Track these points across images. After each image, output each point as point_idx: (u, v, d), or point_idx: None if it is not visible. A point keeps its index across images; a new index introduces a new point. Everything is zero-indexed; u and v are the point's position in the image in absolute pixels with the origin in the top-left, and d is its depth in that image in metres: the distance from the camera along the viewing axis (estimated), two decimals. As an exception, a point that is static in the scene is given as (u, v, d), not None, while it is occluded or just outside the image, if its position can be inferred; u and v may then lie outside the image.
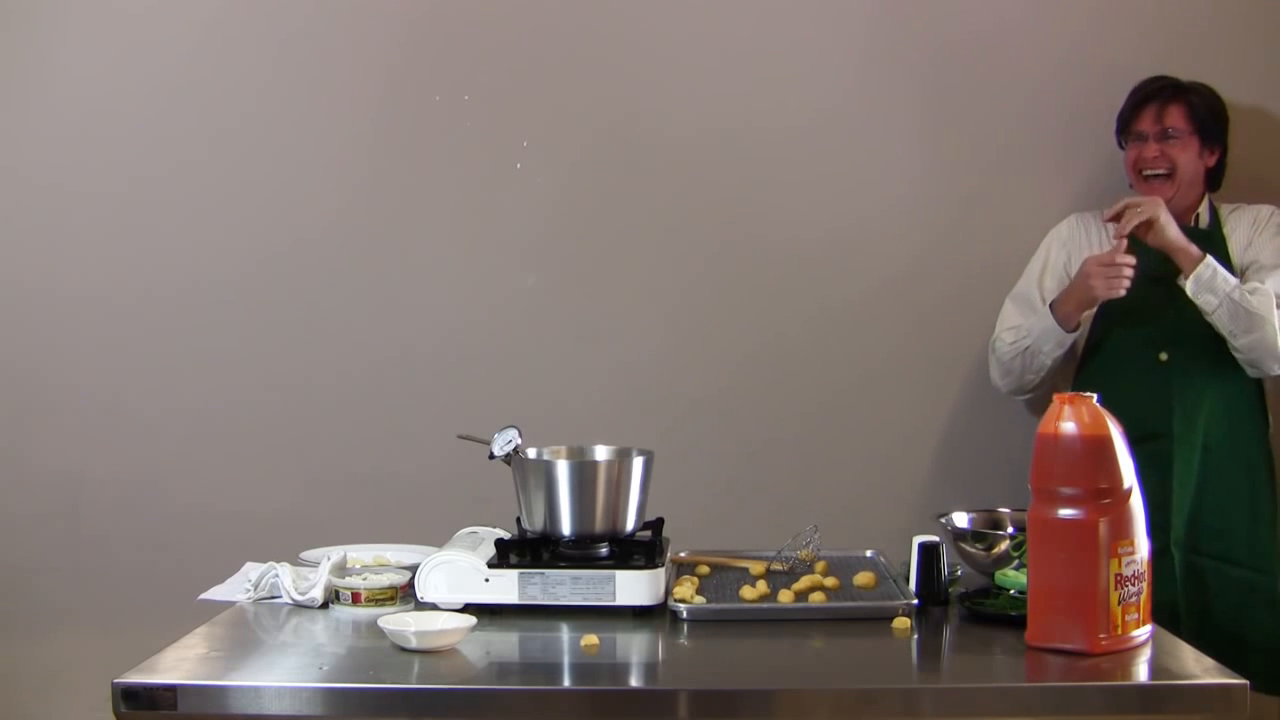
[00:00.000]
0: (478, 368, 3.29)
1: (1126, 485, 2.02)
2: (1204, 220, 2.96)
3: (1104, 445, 2.02)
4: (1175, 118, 2.91)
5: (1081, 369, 2.98)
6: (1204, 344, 2.82)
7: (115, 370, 3.29)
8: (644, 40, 3.27)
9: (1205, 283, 2.73)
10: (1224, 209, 3.00)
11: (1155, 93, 2.94)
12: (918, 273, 3.25)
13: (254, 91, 3.27)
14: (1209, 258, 2.75)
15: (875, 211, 3.26)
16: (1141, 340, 2.89)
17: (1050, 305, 2.89)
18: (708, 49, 3.26)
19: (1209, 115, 2.93)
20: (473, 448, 2.39)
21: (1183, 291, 2.77)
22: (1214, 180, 3.00)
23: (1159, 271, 2.83)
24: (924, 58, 3.24)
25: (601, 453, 2.45)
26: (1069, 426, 2.02)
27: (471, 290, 3.30)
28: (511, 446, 2.35)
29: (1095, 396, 2.07)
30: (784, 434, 3.28)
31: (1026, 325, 2.93)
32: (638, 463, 2.34)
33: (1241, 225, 2.94)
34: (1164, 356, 2.87)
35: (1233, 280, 2.75)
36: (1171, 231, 2.76)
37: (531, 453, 2.40)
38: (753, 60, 3.26)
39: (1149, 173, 2.92)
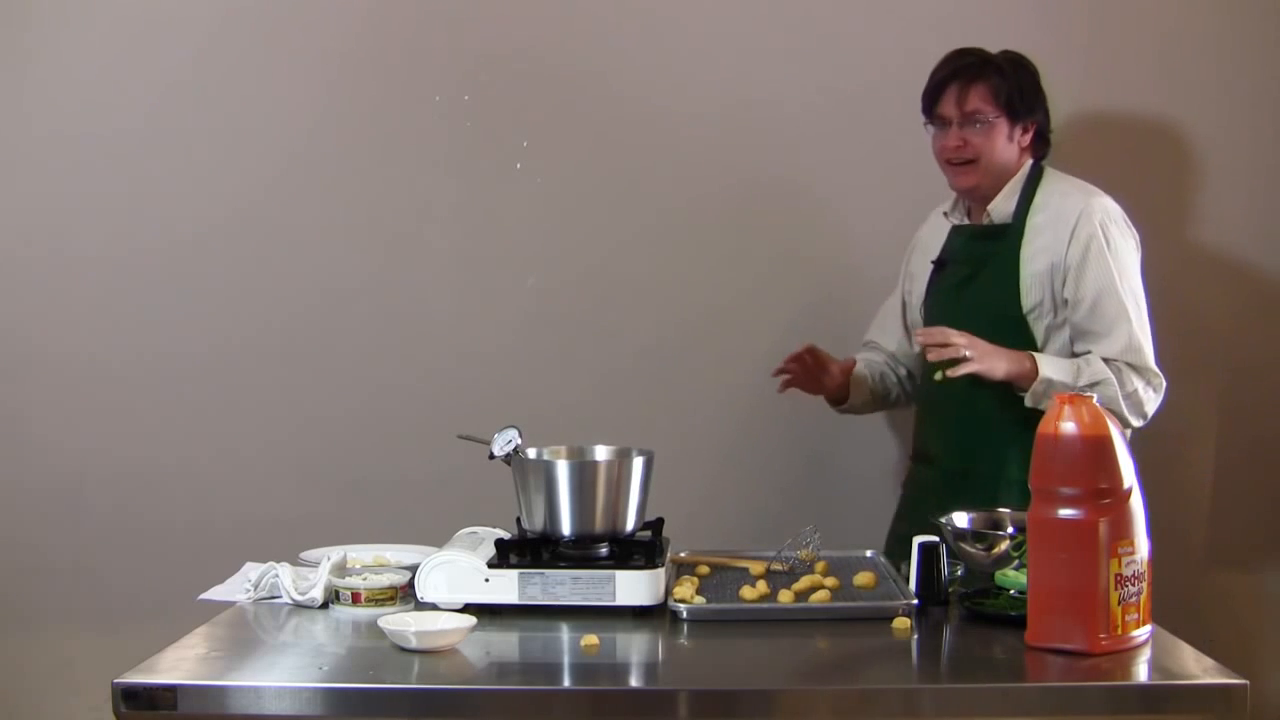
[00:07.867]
0: (478, 368, 3.28)
1: (1126, 485, 2.02)
2: (1008, 205, 2.72)
3: (1104, 445, 2.02)
4: (978, 100, 2.68)
5: None
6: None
7: (115, 370, 3.29)
8: (644, 40, 3.27)
9: (1041, 396, 2.55)
10: (1048, 181, 2.75)
11: (956, 73, 2.70)
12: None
13: (252, 91, 3.26)
14: (1040, 372, 2.55)
15: (878, 213, 3.25)
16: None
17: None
18: (709, 48, 3.26)
19: (1016, 93, 2.69)
20: (473, 448, 2.39)
21: None
22: (1039, 149, 2.78)
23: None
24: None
25: (601, 453, 2.45)
26: (1069, 426, 2.02)
27: (471, 290, 3.30)
28: (511, 446, 2.35)
29: (1095, 397, 2.07)
30: (784, 433, 3.28)
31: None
32: (638, 463, 2.34)
33: (1050, 225, 2.67)
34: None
35: (1068, 379, 2.55)
36: (996, 371, 2.56)
37: (531, 453, 2.40)
38: (755, 60, 3.26)
39: (953, 160, 2.72)
